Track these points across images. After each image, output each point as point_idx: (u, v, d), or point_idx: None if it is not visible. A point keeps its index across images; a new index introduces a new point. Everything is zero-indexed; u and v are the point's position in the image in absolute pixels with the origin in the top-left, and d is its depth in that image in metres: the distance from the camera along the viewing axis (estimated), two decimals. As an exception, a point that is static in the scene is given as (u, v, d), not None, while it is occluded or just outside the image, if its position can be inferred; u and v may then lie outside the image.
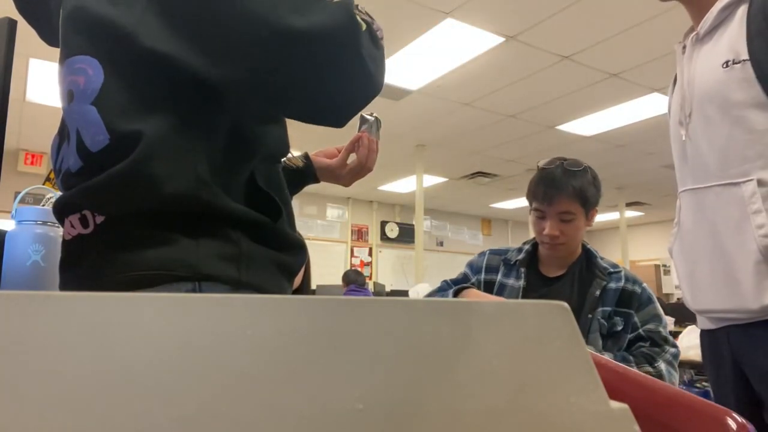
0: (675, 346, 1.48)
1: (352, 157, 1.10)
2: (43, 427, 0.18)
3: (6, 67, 1.01)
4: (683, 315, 6.52)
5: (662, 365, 1.43)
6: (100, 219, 0.70)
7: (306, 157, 1.13)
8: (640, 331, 1.48)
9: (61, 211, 0.74)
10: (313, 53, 0.66)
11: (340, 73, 0.69)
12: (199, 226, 0.69)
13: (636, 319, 1.49)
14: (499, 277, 1.64)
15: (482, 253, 1.73)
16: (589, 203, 1.51)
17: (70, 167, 0.73)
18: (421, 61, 4.54)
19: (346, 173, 1.09)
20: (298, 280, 2.11)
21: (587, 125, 5.94)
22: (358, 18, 0.69)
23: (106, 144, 0.68)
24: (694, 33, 1.12)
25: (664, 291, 10.24)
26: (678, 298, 9.64)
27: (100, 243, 0.70)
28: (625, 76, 4.78)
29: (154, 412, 0.20)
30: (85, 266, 0.72)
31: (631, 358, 1.43)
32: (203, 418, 0.21)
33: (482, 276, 1.66)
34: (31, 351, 0.20)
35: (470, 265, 1.71)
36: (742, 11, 1.04)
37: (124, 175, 0.67)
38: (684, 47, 1.16)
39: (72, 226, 0.73)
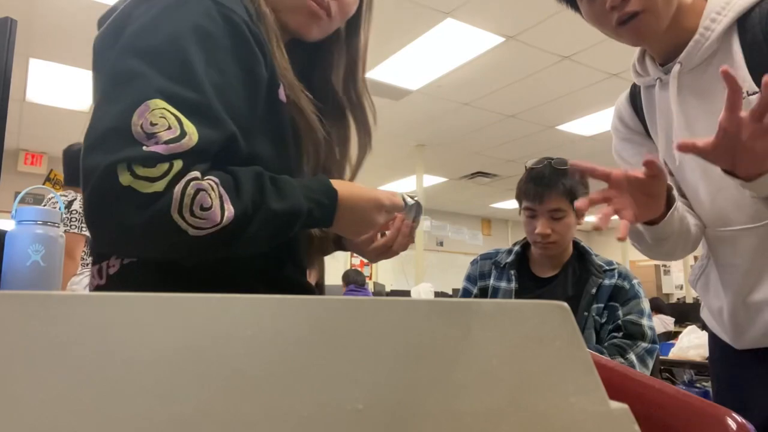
0: (653, 342, 1.48)
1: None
2: (43, 426, 0.18)
3: (6, 67, 1.01)
4: (683, 315, 6.53)
5: (633, 357, 1.43)
6: (113, 270, 0.71)
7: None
8: (619, 321, 1.48)
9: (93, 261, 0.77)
10: None
11: None
12: (215, 278, 0.68)
13: (620, 312, 1.50)
14: (491, 280, 1.64)
15: (474, 261, 1.74)
16: (578, 199, 1.52)
17: None
18: (421, 61, 4.54)
19: (371, 250, 1.06)
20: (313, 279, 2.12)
21: (587, 125, 5.94)
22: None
23: None
24: (677, 63, 1.03)
25: (664, 291, 10.23)
26: (678, 299, 9.64)
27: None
28: (625, 76, 4.77)
29: (154, 412, 0.20)
30: None
31: (603, 350, 1.43)
32: (203, 418, 0.21)
33: (478, 284, 1.67)
34: (31, 351, 0.20)
35: (467, 278, 1.72)
36: (735, 39, 0.97)
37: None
38: (658, 79, 1.08)
39: (93, 276, 0.75)
